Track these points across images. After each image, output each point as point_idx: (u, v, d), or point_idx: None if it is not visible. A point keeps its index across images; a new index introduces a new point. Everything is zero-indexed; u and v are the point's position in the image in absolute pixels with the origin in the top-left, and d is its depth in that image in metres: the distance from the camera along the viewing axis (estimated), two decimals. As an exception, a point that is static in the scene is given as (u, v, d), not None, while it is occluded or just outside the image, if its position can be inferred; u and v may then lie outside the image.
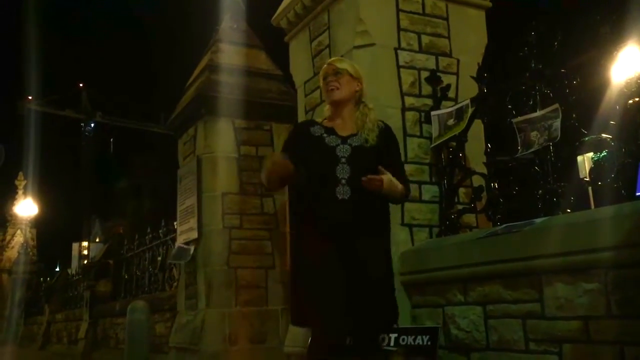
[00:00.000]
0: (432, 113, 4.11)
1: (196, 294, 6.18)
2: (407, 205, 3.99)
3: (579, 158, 3.96)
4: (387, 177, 2.68)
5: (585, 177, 3.42)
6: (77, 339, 11.86)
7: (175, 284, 7.48)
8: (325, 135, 2.81)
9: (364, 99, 2.97)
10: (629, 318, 2.53)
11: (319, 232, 2.67)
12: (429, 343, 3.36)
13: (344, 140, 2.78)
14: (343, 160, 2.71)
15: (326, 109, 3.00)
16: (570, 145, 3.33)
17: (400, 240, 3.91)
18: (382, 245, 2.77)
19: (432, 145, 4.09)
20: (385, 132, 2.89)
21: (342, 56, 4.28)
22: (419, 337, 3.40)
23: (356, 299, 2.59)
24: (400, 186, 2.77)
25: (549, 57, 3.43)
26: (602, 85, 3.42)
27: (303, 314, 2.69)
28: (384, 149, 2.83)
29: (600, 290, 2.64)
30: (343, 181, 2.68)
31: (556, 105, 3.32)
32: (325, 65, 2.98)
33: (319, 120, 2.97)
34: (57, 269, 20.44)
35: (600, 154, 3.29)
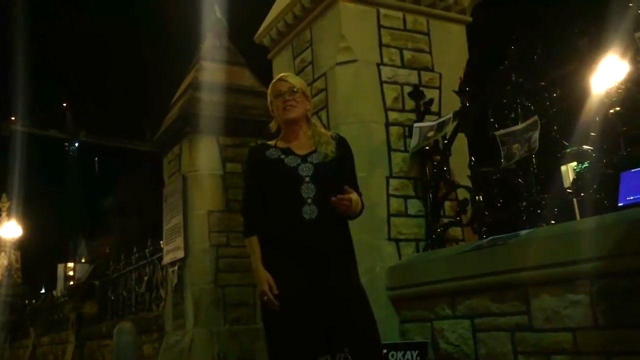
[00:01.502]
0: (415, 125, 4.13)
1: (184, 313, 6.12)
2: (393, 219, 4.00)
3: (563, 168, 4.00)
4: (355, 197, 2.63)
5: (569, 188, 3.45)
6: (63, 362, 11.69)
7: (162, 303, 7.40)
8: (283, 156, 2.75)
9: (311, 117, 2.95)
10: (615, 328, 2.55)
11: (286, 254, 2.62)
12: (418, 358, 3.35)
13: (304, 158, 2.72)
14: (307, 179, 2.65)
15: (275, 128, 2.91)
16: (552, 156, 3.36)
17: (387, 254, 3.91)
18: (352, 260, 2.75)
19: (410, 152, 4.10)
20: (341, 142, 2.83)
21: (325, 73, 4.31)
22: (408, 352, 3.40)
23: (335, 317, 2.57)
24: (360, 203, 2.73)
25: (529, 71, 3.47)
26: (582, 96, 3.47)
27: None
28: (343, 161, 2.80)
29: (586, 302, 2.66)
30: (309, 200, 2.62)
31: (535, 118, 3.36)
32: (276, 82, 2.88)
33: (271, 143, 2.88)
34: (43, 291, 20.16)
35: (582, 165, 3.32)
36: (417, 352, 3.36)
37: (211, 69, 6.79)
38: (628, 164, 3.04)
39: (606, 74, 3.99)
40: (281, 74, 2.94)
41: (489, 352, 3.12)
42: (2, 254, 21.70)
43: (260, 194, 2.74)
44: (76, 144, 28.96)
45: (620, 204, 2.95)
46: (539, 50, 3.48)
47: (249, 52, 6.95)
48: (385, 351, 3.41)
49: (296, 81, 2.89)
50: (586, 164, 3.25)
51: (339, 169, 2.74)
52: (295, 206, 2.63)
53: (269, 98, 2.92)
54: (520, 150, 3.39)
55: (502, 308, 3.07)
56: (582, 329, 2.68)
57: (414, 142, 4.10)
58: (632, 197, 2.93)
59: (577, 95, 3.53)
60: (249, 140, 6.33)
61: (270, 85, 2.91)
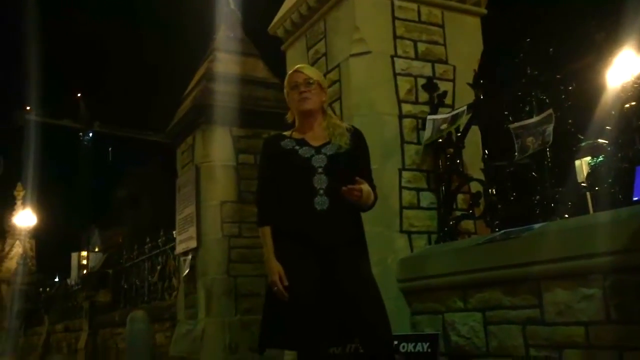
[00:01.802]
0: (428, 117, 4.11)
1: (196, 303, 6.17)
2: (406, 212, 4.00)
3: (577, 162, 3.98)
4: (366, 187, 2.63)
5: (583, 182, 3.43)
6: (77, 349, 11.83)
7: (174, 293, 7.47)
8: (297, 147, 2.76)
9: (327, 108, 2.96)
10: (628, 323, 2.54)
11: (298, 245, 2.63)
12: (429, 350, 3.36)
13: (318, 150, 2.74)
14: (320, 170, 2.67)
15: (291, 119, 2.92)
16: (567, 150, 3.34)
17: (399, 247, 3.92)
18: (363, 252, 2.76)
19: (423, 144, 4.10)
20: (356, 134, 2.84)
21: (338, 64, 4.31)
22: (419, 344, 3.41)
23: (346, 308, 2.58)
24: (372, 195, 2.73)
25: (545, 63, 3.45)
26: (598, 90, 3.45)
27: (275, 334, 2.66)
28: (357, 152, 2.81)
29: (599, 296, 2.65)
30: (321, 191, 2.64)
31: (550, 111, 3.34)
32: (292, 73, 2.88)
33: (287, 133, 2.90)
34: (57, 280, 20.41)
35: (597, 158, 3.30)
36: (427, 343, 3.37)
37: (225, 60, 6.80)
38: (644, 159, 3.02)
39: (622, 68, 3.96)
40: (297, 66, 2.95)
41: (500, 345, 3.13)
42: (17, 242, 21.96)
43: (274, 185, 2.76)
44: (90, 134, 29.13)
45: (636, 198, 2.93)
46: (555, 43, 3.45)
47: (262, 44, 6.95)
48: (396, 343, 3.42)
49: (312, 73, 2.89)
50: (601, 158, 3.23)
51: (352, 160, 2.75)
52: (307, 197, 2.65)
53: (285, 89, 2.93)
54: (534, 143, 3.38)
55: (514, 301, 3.07)
56: (595, 324, 2.67)
57: (427, 134, 4.09)
58: (647, 192, 2.91)
59: (592, 89, 3.50)
60: (262, 131, 6.35)
61: (287, 77, 2.93)
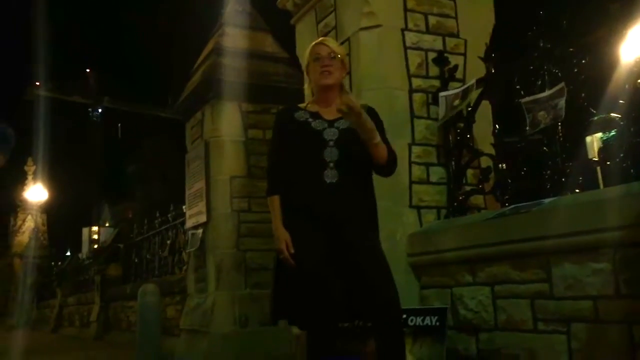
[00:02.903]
0: (440, 94, 4.09)
1: (206, 277, 6.23)
2: (415, 187, 3.99)
3: (588, 139, 3.94)
4: (366, 115, 2.60)
5: (594, 158, 3.40)
6: (89, 322, 12.02)
7: (185, 267, 7.55)
8: (310, 119, 2.76)
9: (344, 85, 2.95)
10: (637, 298, 2.54)
11: (307, 217, 2.64)
12: (437, 323, 3.38)
13: (331, 123, 2.73)
14: (331, 143, 2.67)
15: (308, 91, 2.91)
16: (579, 124, 3.31)
17: (408, 222, 3.92)
18: (372, 225, 2.76)
19: (438, 124, 4.08)
20: (370, 112, 2.82)
21: (348, 38, 4.27)
22: (428, 317, 3.43)
23: (355, 281, 2.60)
24: (385, 148, 2.71)
25: (558, 36, 3.40)
26: (611, 64, 3.39)
27: (287, 308, 2.69)
28: None
29: (608, 270, 2.65)
30: (331, 164, 2.64)
31: (562, 85, 3.30)
32: (316, 45, 2.84)
33: (302, 105, 2.88)
34: (68, 254, 20.65)
35: (609, 133, 3.27)
36: (436, 317, 3.39)
37: (234, 34, 6.76)
38: (656, 133, 2.99)
39: (637, 42, 3.89)
40: (322, 38, 2.94)
41: (508, 319, 3.14)
42: (29, 216, 22.20)
43: (285, 156, 2.77)
44: (99, 110, 29.21)
45: (647, 173, 2.91)
46: (568, 15, 3.40)
47: (271, 18, 6.89)
48: (404, 316, 3.44)
49: (337, 47, 2.87)
50: (613, 132, 3.20)
51: None
52: (317, 169, 2.66)
53: (305, 60, 2.90)
54: (546, 118, 3.35)
55: (522, 276, 3.07)
56: (604, 298, 2.67)
57: (441, 112, 4.06)
58: (659, 166, 2.89)
59: (606, 62, 3.45)
60: (271, 106, 6.34)
61: (310, 47, 2.89)
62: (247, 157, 6.35)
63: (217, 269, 6.06)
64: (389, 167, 2.79)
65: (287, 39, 5.80)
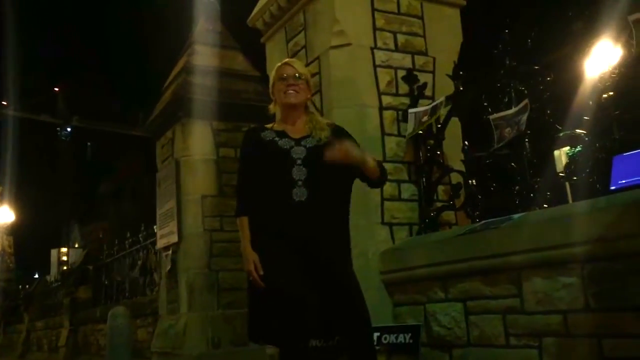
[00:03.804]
0: (410, 110, 4.12)
1: (178, 298, 6.14)
2: (387, 204, 4.00)
3: (556, 152, 4.01)
4: (349, 143, 2.62)
5: (561, 172, 3.46)
6: (57, 346, 11.72)
7: (156, 288, 7.42)
8: (277, 138, 2.77)
9: (310, 105, 2.97)
10: (606, 311, 2.57)
11: (276, 236, 2.63)
12: (411, 341, 3.37)
13: (298, 142, 2.74)
14: (299, 162, 2.68)
15: (273, 110, 2.92)
16: (545, 140, 3.36)
17: (380, 239, 3.92)
18: (343, 244, 2.75)
19: (406, 138, 4.11)
20: (337, 130, 2.85)
21: (318, 57, 4.29)
22: (401, 335, 3.42)
23: (326, 299, 2.58)
24: (372, 159, 2.73)
25: (523, 54, 3.46)
26: (576, 80, 3.47)
27: (261, 328, 2.66)
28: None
29: (577, 285, 2.67)
30: (299, 183, 2.65)
31: (525, 101, 3.36)
32: (282, 65, 2.88)
33: (268, 125, 2.89)
34: (36, 276, 20.16)
35: (575, 149, 3.33)
36: (409, 334, 3.38)
37: (204, 53, 6.75)
38: (620, 148, 3.05)
39: (600, 58, 3.99)
40: (287, 59, 2.96)
41: (481, 335, 3.15)
42: (-5, 239, 21.65)
43: (254, 176, 2.76)
44: (69, 129, 28.81)
45: (613, 188, 2.96)
46: (533, 34, 3.47)
47: (242, 36, 6.90)
48: (378, 334, 3.43)
49: (302, 68, 2.90)
50: (579, 148, 3.26)
51: None
52: (285, 188, 2.65)
53: (271, 80, 2.93)
54: (511, 133, 3.40)
55: (494, 291, 3.09)
56: (573, 312, 2.70)
57: (409, 128, 4.10)
58: (624, 181, 2.94)
59: (571, 79, 3.53)
60: (242, 124, 6.32)
61: (275, 68, 2.92)
62: (219, 176, 6.31)
63: (189, 289, 5.97)
64: (380, 179, 2.82)
65: (257, 57, 5.81)
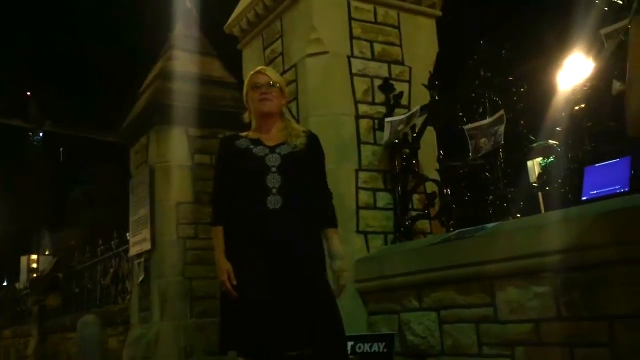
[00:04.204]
0: (386, 119, 4.14)
1: (150, 306, 6.04)
2: (362, 212, 4.00)
3: (529, 163, 4.06)
4: (338, 267, 2.76)
5: (534, 182, 3.50)
6: (25, 355, 11.45)
7: (128, 296, 7.30)
8: (252, 146, 2.76)
9: (285, 111, 2.99)
10: (578, 320, 2.59)
11: (250, 244, 2.62)
12: (384, 350, 3.37)
13: (272, 149, 2.74)
14: (273, 169, 2.68)
15: (248, 119, 2.92)
16: (519, 151, 3.40)
17: (355, 247, 3.92)
18: (317, 251, 2.75)
19: (382, 146, 4.12)
20: (312, 138, 2.85)
21: (295, 64, 4.29)
22: (375, 344, 3.41)
23: (300, 308, 2.56)
24: (337, 239, 2.81)
25: (497, 66, 3.50)
26: (549, 92, 3.53)
27: (234, 339, 2.64)
28: (312, 154, 2.82)
29: (550, 294, 2.70)
30: (274, 190, 2.64)
31: (501, 112, 3.40)
32: (255, 73, 2.88)
33: (243, 134, 2.89)
34: (5, 284, 19.73)
35: (548, 159, 3.38)
36: (383, 343, 3.38)
37: (181, 58, 6.69)
38: (592, 159, 3.10)
39: (572, 71, 4.07)
40: (260, 67, 2.95)
41: (454, 344, 3.15)
42: (-37, 245, 21.14)
43: (229, 185, 2.74)
44: (41, 134, 28.33)
45: (584, 198, 3.00)
46: (507, 45, 3.51)
47: (219, 43, 6.87)
48: (352, 343, 3.42)
49: (275, 76, 2.89)
50: (551, 159, 3.30)
51: (306, 161, 2.77)
52: (260, 196, 2.64)
53: (245, 89, 2.92)
54: (487, 144, 3.43)
55: (468, 300, 3.10)
56: (546, 321, 2.72)
57: (385, 136, 4.11)
58: (595, 191, 2.98)
59: (544, 90, 3.58)
60: (218, 131, 6.27)
61: (248, 76, 2.91)
62: (194, 183, 6.24)
63: (161, 297, 5.89)
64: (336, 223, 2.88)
65: (234, 63, 5.78)
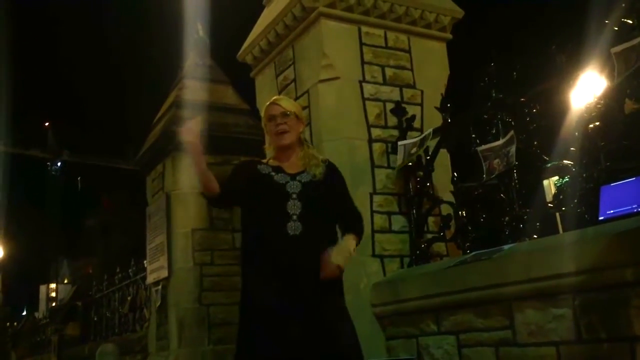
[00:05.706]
0: (399, 143, 4.15)
1: (167, 333, 6.04)
2: (378, 236, 4.00)
3: (545, 182, 4.03)
4: (335, 254, 2.65)
5: (550, 202, 3.47)
6: (45, 385, 11.47)
7: (146, 324, 7.31)
8: (273, 173, 2.80)
9: (304, 137, 3.00)
10: (598, 342, 2.55)
11: (269, 270, 2.63)
12: (404, 375, 3.33)
13: (293, 177, 2.77)
14: (294, 196, 2.69)
15: (268, 150, 2.96)
16: (533, 171, 3.38)
17: (371, 271, 3.91)
18: (336, 280, 2.75)
19: (396, 170, 4.13)
20: (330, 167, 2.88)
21: (307, 90, 4.33)
22: (394, 369, 3.37)
23: (321, 334, 2.55)
24: (353, 241, 2.75)
25: (509, 87, 3.51)
26: (562, 111, 3.51)
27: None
28: (331, 183, 2.83)
29: (569, 315, 2.66)
30: (294, 217, 2.65)
31: (511, 133, 3.40)
32: (269, 105, 2.91)
33: (264, 160, 2.92)
34: (24, 313, 19.84)
35: (563, 179, 3.35)
36: (403, 369, 3.34)
37: (194, 87, 6.79)
38: (608, 178, 3.07)
39: (585, 90, 4.04)
40: (274, 98, 3.00)
41: (474, 368, 3.11)
42: (-17, 276, 21.35)
43: (240, 183, 2.77)
44: (59, 164, 28.69)
45: (601, 218, 2.97)
46: (519, 66, 3.52)
47: (232, 70, 6.97)
48: (370, 369, 3.38)
49: (289, 104, 2.92)
50: (567, 179, 3.28)
51: (326, 189, 2.79)
52: (280, 222, 2.65)
53: (262, 120, 2.97)
54: (500, 165, 3.42)
55: (486, 323, 3.07)
56: (566, 343, 2.68)
57: (399, 159, 4.12)
58: (612, 211, 2.95)
59: (557, 110, 3.57)
60: (232, 157, 6.31)
61: (264, 109, 2.96)
62: (210, 209, 6.27)
63: (179, 325, 5.89)
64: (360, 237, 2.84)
65: (248, 90, 5.85)
